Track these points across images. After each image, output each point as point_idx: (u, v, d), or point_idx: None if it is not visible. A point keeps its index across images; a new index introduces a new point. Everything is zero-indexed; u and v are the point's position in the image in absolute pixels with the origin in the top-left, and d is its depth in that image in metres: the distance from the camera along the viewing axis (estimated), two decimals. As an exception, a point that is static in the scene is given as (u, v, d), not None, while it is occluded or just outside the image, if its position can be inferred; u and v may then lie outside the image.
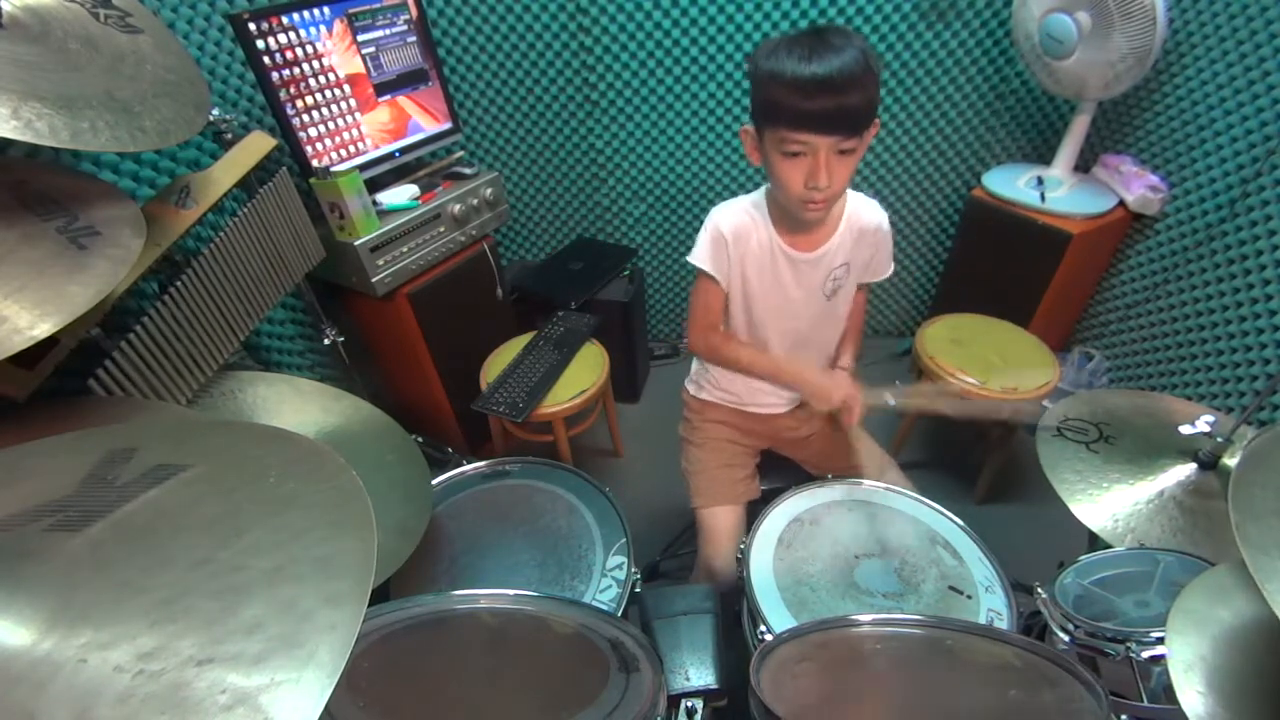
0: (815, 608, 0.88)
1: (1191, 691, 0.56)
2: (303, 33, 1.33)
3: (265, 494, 0.47)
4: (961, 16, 1.78)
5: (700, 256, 1.06)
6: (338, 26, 1.39)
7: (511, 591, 0.61)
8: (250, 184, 1.13)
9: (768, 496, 1.07)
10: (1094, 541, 0.99)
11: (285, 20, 1.29)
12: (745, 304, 1.10)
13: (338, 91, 1.43)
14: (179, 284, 0.97)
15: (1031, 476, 1.82)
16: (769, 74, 0.84)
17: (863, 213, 1.07)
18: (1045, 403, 1.49)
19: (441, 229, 1.61)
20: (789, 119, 0.84)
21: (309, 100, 1.38)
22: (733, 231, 1.02)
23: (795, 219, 1.01)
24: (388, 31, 1.50)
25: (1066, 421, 1.05)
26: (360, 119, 1.49)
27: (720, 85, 1.90)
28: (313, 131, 1.40)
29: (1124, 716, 0.69)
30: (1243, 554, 0.51)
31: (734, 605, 0.99)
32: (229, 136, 1.19)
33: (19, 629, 0.35)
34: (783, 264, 1.05)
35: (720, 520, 1.17)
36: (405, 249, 1.53)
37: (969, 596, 0.89)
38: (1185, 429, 0.98)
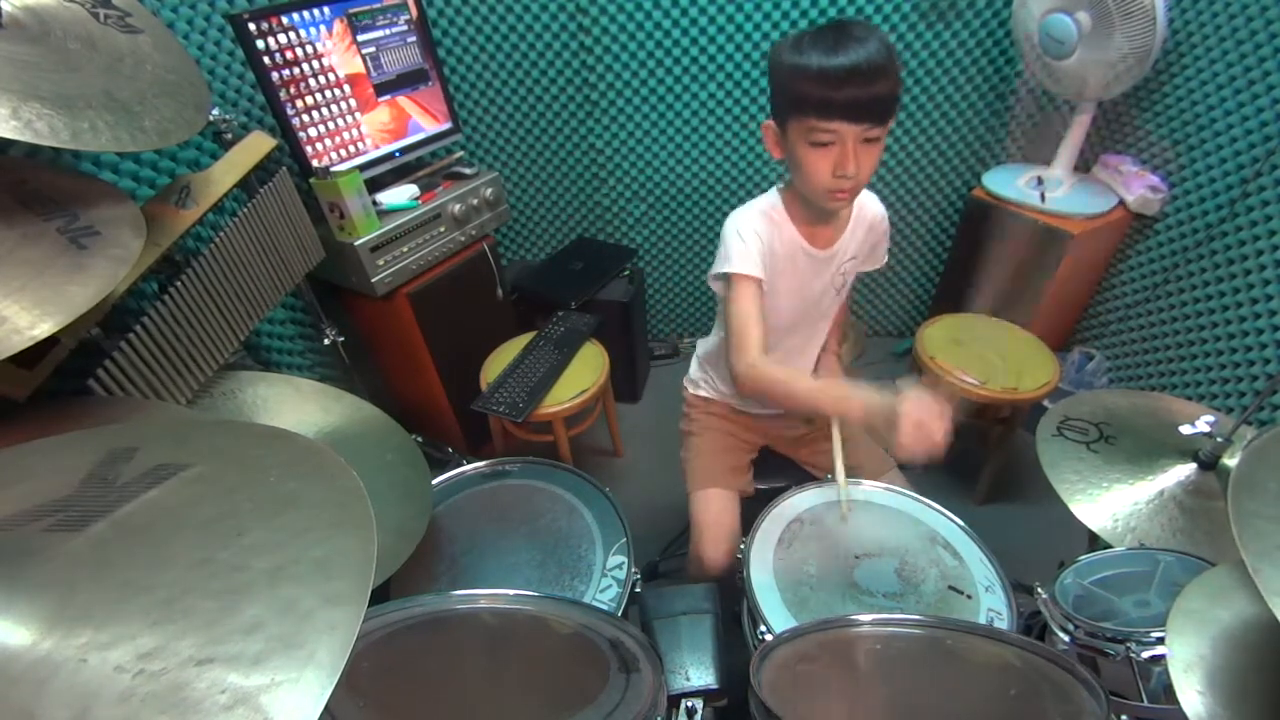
0: (815, 608, 0.88)
1: (1191, 691, 0.56)
2: (303, 33, 1.33)
3: (265, 494, 0.47)
4: (961, 16, 1.78)
5: (736, 261, 0.98)
6: (338, 26, 1.39)
7: (511, 591, 0.61)
8: (250, 184, 1.13)
9: (767, 496, 1.07)
10: (1094, 541, 0.99)
11: (285, 20, 1.29)
12: (771, 305, 1.07)
13: (338, 91, 1.43)
14: (179, 284, 0.97)
15: (1031, 476, 1.82)
16: (796, 67, 0.85)
17: (868, 205, 1.09)
18: (1046, 402, 1.50)
19: (441, 229, 1.61)
20: (818, 108, 0.85)
21: (309, 100, 1.38)
22: (761, 233, 1.01)
23: (816, 213, 1.01)
24: (388, 31, 1.50)
25: (1066, 421, 1.05)
26: (360, 119, 1.49)
27: (720, 85, 1.90)
28: (313, 131, 1.40)
29: (1124, 716, 0.69)
30: (1243, 556, 0.51)
31: (734, 605, 0.99)
32: (229, 136, 1.19)
33: (19, 629, 0.35)
34: (803, 262, 1.05)
35: (713, 504, 1.16)
36: (405, 249, 1.53)
37: (969, 596, 0.89)
38: (1185, 429, 0.98)
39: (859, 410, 0.87)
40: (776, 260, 1.04)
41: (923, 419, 0.77)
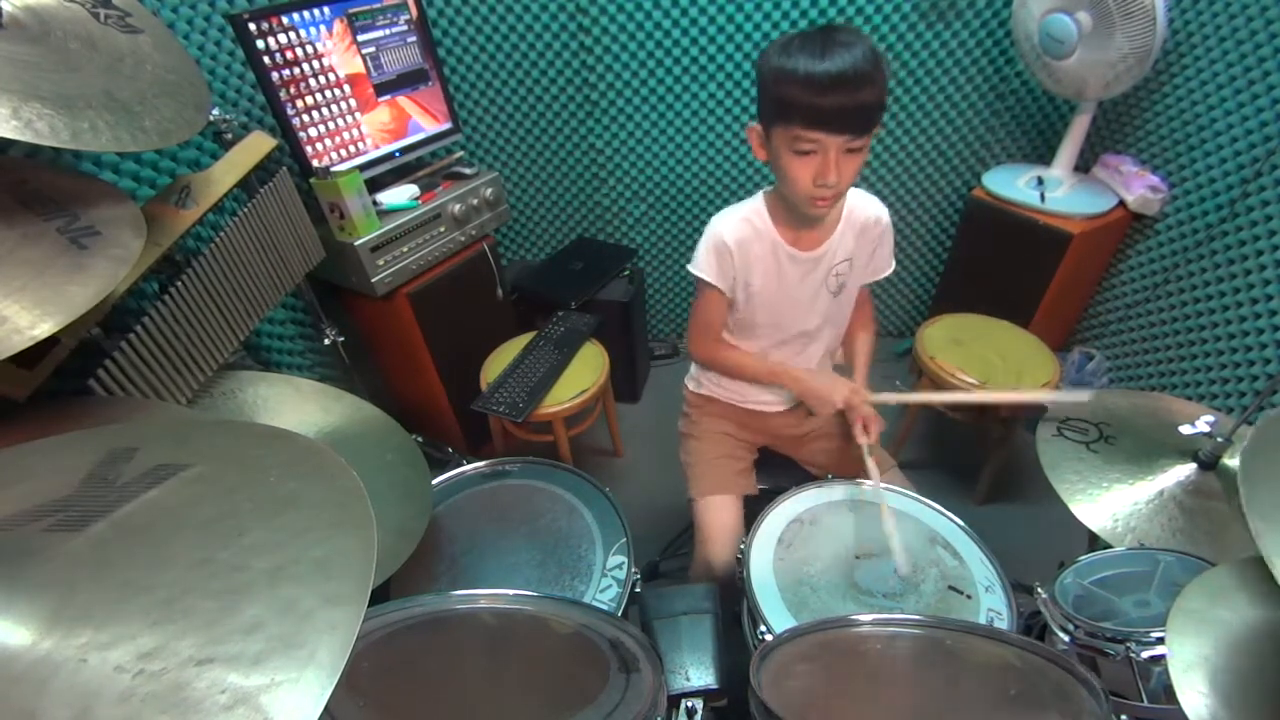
0: (815, 608, 0.88)
1: (1192, 692, 0.56)
2: (303, 33, 1.33)
3: (265, 494, 0.47)
4: (961, 16, 1.78)
5: (703, 267, 1.06)
6: (338, 26, 1.39)
7: (511, 591, 0.61)
8: (250, 184, 1.13)
9: (767, 496, 1.07)
10: (1094, 541, 0.99)
11: (285, 20, 1.29)
12: (754, 308, 1.10)
13: (338, 91, 1.43)
14: (179, 284, 0.97)
15: (1031, 476, 1.82)
16: (782, 72, 0.84)
17: (861, 207, 1.08)
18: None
19: (441, 229, 1.61)
20: (802, 117, 0.85)
21: (309, 100, 1.38)
22: (736, 240, 1.02)
23: (800, 216, 1.01)
24: (388, 31, 1.50)
25: (1067, 421, 1.05)
26: (360, 119, 1.49)
27: (720, 85, 1.90)
28: (313, 131, 1.40)
29: (1124, 716, 0.69)
30: (1256, 539, 0.49)
31: (734, 605, 0.99)
32: (229, 136, 1.19)
33: (19, 629, 0.35)
34: (787, 265, 1.05)
35: (717, 511, 1.17)
36: (405, 249, 1.53)
37: (969, 596, 0.89)
38: (1185, 429, 0.98)
39: (792, 385, 1.14)
40: (758, 263, 1.05)
41: (844, 397, 1.09)
